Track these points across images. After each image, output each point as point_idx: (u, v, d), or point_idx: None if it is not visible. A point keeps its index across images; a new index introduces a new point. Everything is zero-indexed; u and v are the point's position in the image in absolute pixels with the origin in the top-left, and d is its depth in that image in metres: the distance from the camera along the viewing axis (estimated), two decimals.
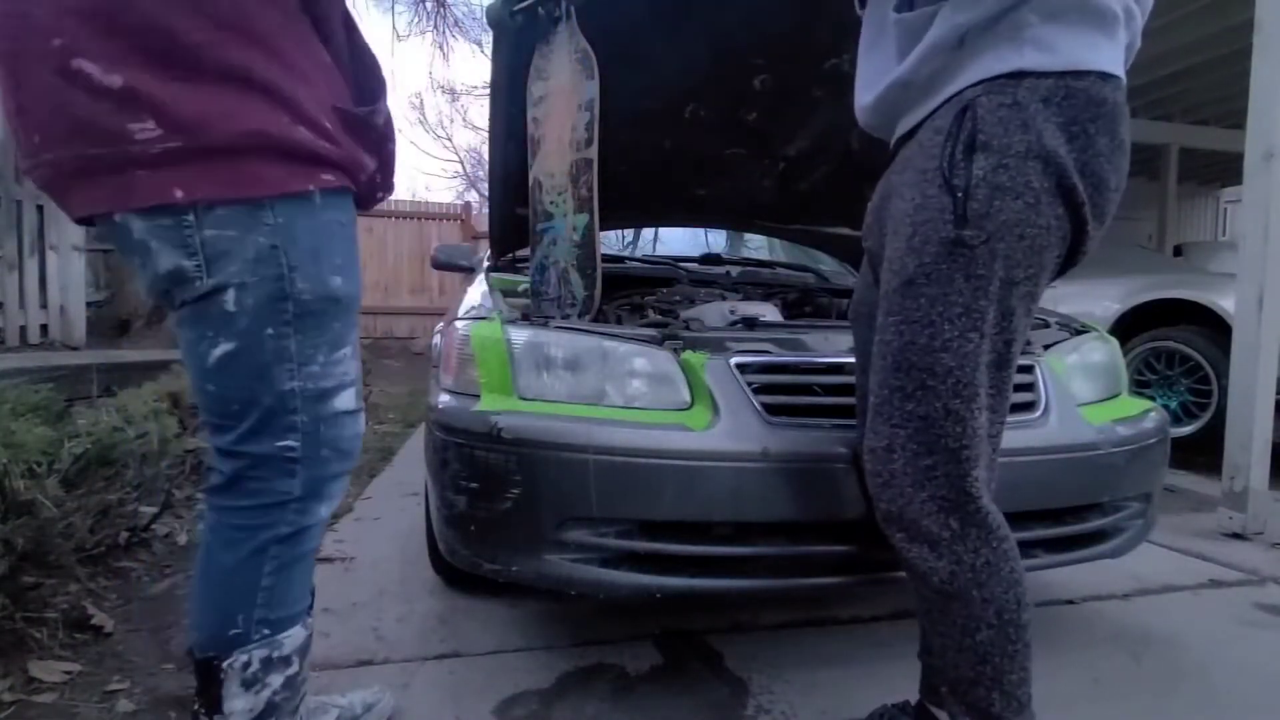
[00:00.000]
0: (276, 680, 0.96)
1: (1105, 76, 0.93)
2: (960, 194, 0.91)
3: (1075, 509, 1.50)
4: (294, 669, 0.98)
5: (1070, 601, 1.91)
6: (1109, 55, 0.94)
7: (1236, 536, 2.48)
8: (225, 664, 0.94)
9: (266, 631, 0.95)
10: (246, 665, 0.94)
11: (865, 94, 1.12)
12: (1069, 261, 0.99)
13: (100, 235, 0.88)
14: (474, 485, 1.34)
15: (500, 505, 1.31)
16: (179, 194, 0.80)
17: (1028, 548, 1.44)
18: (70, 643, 1.55)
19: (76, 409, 2.37)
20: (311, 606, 1.05)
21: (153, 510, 2.18)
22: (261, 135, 0.80)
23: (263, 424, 0.91)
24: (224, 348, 0.88)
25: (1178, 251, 5.84)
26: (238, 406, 0.91)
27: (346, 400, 0.96)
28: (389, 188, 1.01)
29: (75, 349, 4.11)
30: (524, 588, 1.40)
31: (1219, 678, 1.53)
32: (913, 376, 0.96)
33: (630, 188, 2.37)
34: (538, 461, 1.29)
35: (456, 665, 1.54)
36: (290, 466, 0.93)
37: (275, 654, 0.95)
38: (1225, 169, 7.51)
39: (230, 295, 0.85)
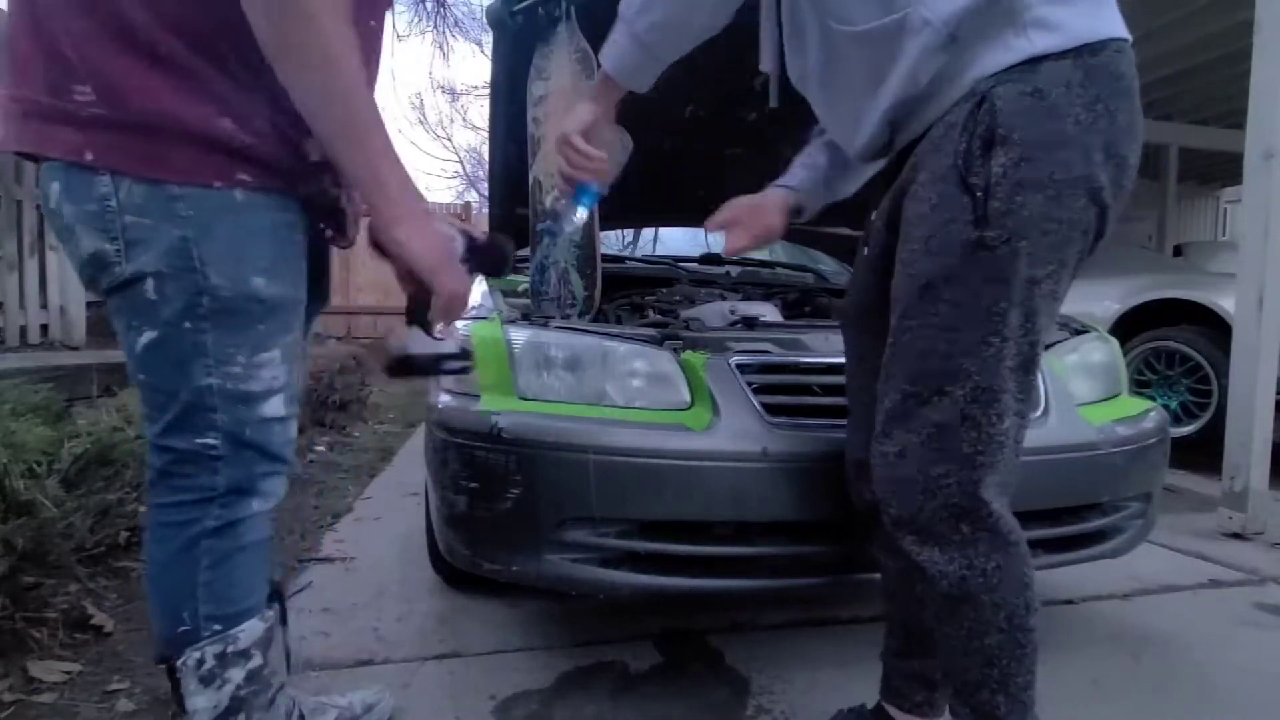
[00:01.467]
0: (237, 675, 0.95)
1: (1120, 48, 0.89)
2: (980, 193, 0.86)
3: (1075, 509, 1.50)
4: (255, 662, 0.96)
5: (1070, 601, 1.91)
6: (1114, 20, 0.90)
7: (1236, 536, 2.49)
8: (179, 662, 0.93)
9: (217, 627, 0.94)
10: (200, 662, 0.93)
11: (857, 132, 1.05)
12: (1090, 250, 0.95)
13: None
14: (474, 485, 1.34)
15: (500, 505, 1.31)
16: (89, 155, 0.83)
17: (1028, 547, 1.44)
18: (70, 643, 1.55)
19: (76, 409, 2.36)
20: (275, 598, 1.03)
21: None
22: (176, 120, 0.82)
23: (182, 418, 0.91)
24: (148, 336, 0.89)
25: (1178, 251, 5.83)
26: (162, 398, 0.92)
27: (275, 407, 0.94)
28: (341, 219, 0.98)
29: (75, 349, 4.10)
30: (524, 588, 1.40)
31: (1219, 678, 1.53)
32: (929, 383, 0.92)
33: (630, 188, 2.36)
34: (538, 461, 1.29)
35: (456, 665, 1.55)
36: (212, 464, 0.92)
37: (230, 649, 0.94)
38: (1225, 169, 7.51)
39: (150, 284, 0.86)
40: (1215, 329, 3.32)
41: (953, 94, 0.91)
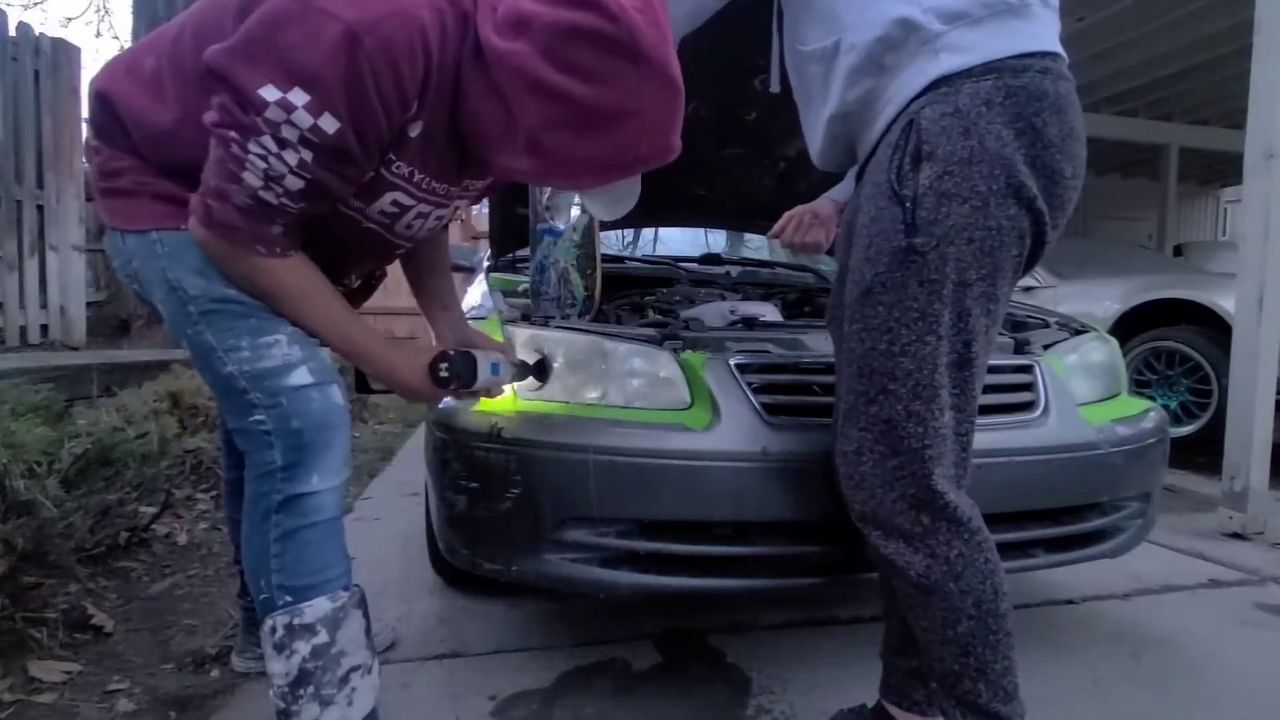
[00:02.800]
0: (304, 648, 1.01)
1: (1045, 67, 0.95)
2: (909, 203, 0.94)
3: (1075, 509, 1.50)
4: (321, 638, 1.02)
5: (1070, 601, 1.91)
6: (1033, 35, 0.96)
7: (1236, 536, 2.48)
8: (262, 629, 1.03)
9: (289, 599, 1.02)
10: (274, 630, 1.02)
11: (813, 140, 1.16)
12: (1033, 255, 1.01)
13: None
14: (474, 485, 1.34)
15: (500, 505, 1.31)
16: (106, 217, 1.08)
17: (1028, 547, 1.44)
18: (70, 643, 1.56)
19: (76, 409, 2.37)
20: (347, 584, 1.08)
21: (153, 510, 2.18)
22: (145, 184, 1.05)
23: (230, 403, 1.06)
24: (185, 345, 1.08)
25: (1178, 251, 5.84)
26: (215, 391, 1.08)
27: (301, 376, 1.04)
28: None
29: (75, 349, 4.11)
30: (524, 588, 1.40)
31: (1219, 678, 1.53)
32: (874, 381, 1.00)
33: None
34: (538, 461, 1.29)
35: (456, 665, 1.55)
36: (266, 438, 1.03)
37: (296, 621, 1.02)
38: (1225, 169, 7.52)
39: (162, 310, 1.08)
40: (1215, 329, 3.32)
41: (887, 114, 1.00)
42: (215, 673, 1.49)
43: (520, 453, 1.29)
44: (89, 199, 4.45)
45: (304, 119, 0.86)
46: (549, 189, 1.60)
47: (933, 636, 1.02)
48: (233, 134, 0.88)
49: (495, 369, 1.18)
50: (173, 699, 1.39)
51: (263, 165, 0.89)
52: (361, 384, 1.23)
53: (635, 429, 1.31)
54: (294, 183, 0.90)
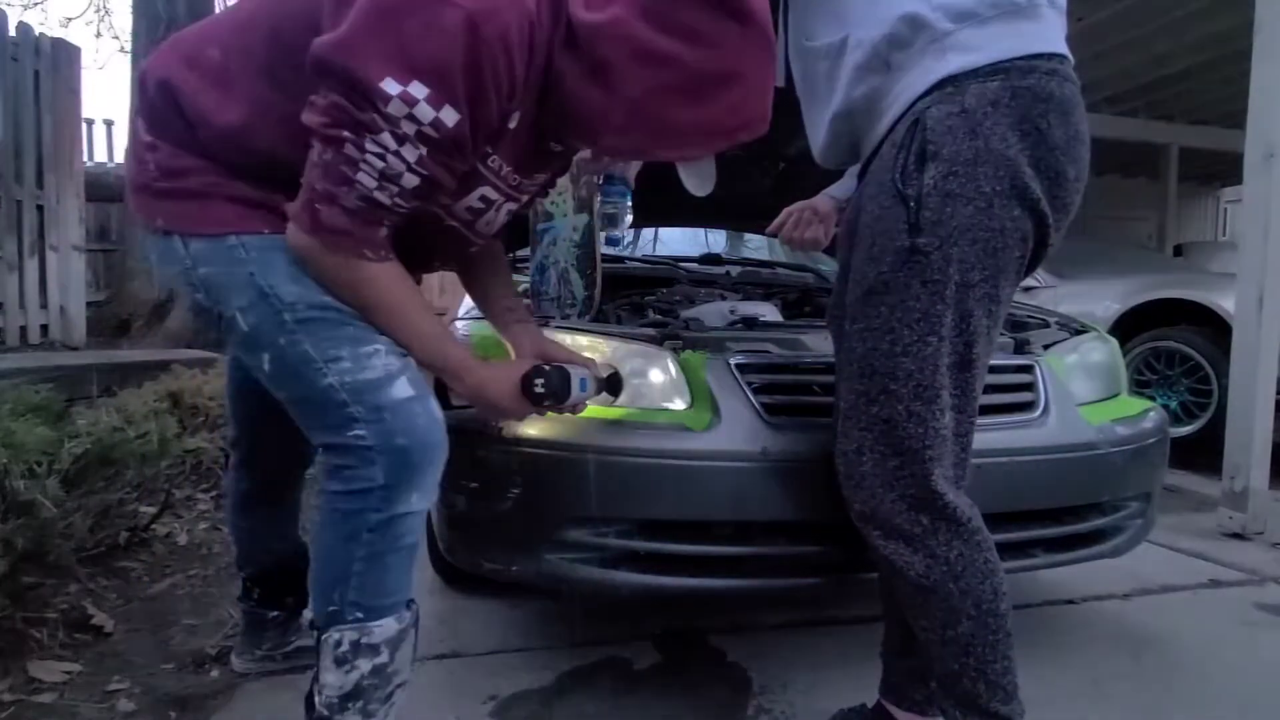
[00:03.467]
0: (365, 665, 1.00)
1: (1051, 69, 0.94)
2: (913, 203, 0.94)
3: (1075, 509, 1.50)
4: (382, 658, 1.01)
5: (1070, 601, 1.91)
6: (1040, 36, 0.96)
7: (1236, 536, 2.48)
8: (323, 638, 1.00)
9: (359, 615, 0.99)
10: (339, 644, 0.99)
11: (816, 137, 1.16)
12: (1036, 257, 1.01)
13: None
14: (474, 485, 1.34)
15: (500, 505, 1.31)
16: (160, 221, 1.01)
17: (1028, 547, 1.44)
18: (70, 643, 1.55)
19: (76, 409, 2.36)
20: (411, 605, 1.06)
21: (153, 510, 2.18)
22: (216, 185, 0.99)
23: (325, 417, 0.99)
24: (266, 359, 1.00)
25: (1178, 251, 5.85)
26: (304, 407, 1.02)
27: (403, 388, 0.99)
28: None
29: (75, 349, 4.11)
30: (524, 588, 1.40)
31: (1219, 677, 1.53)
32: (875, 381, 0.99)
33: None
34: (538, 461, 1.29)
35: (456, 665, 1.55)
36: (368, 454, 0.97)
37: (364, 639, 1.00)
38: (1225, 169, 7.51)
39: (240, 318, 0.99)
40: (1215, 329, 3.32)
41: (892, 113, 0.99)
42: (215, 673, 1.49)
43: (520, 453, 1.29)
44: (89, 199, 4.45)
45: (426, 112, 0.82)
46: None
47: (932, 636, 1.02)
48: (346, 134, 0.83)
49: (584, 384, 1.14)
50: (173, 699, 1.39)
51: (380, 165, 0.84)
52: (443, 400, 1.15)
53: (635, 429, 1.31)
54: (410, 180, 0.86)
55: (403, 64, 0.80)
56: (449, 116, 0.83)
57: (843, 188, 1.41)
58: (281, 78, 0.91)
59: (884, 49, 0.98)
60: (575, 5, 0.88)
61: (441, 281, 8.88)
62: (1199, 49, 4.94)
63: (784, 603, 1.82)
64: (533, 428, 1.31)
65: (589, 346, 1.41)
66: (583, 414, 1.24)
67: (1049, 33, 0.97)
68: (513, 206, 1.09)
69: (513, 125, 0.92)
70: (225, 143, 0.97)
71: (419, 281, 1.29)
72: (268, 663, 1.46)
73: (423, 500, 1.01)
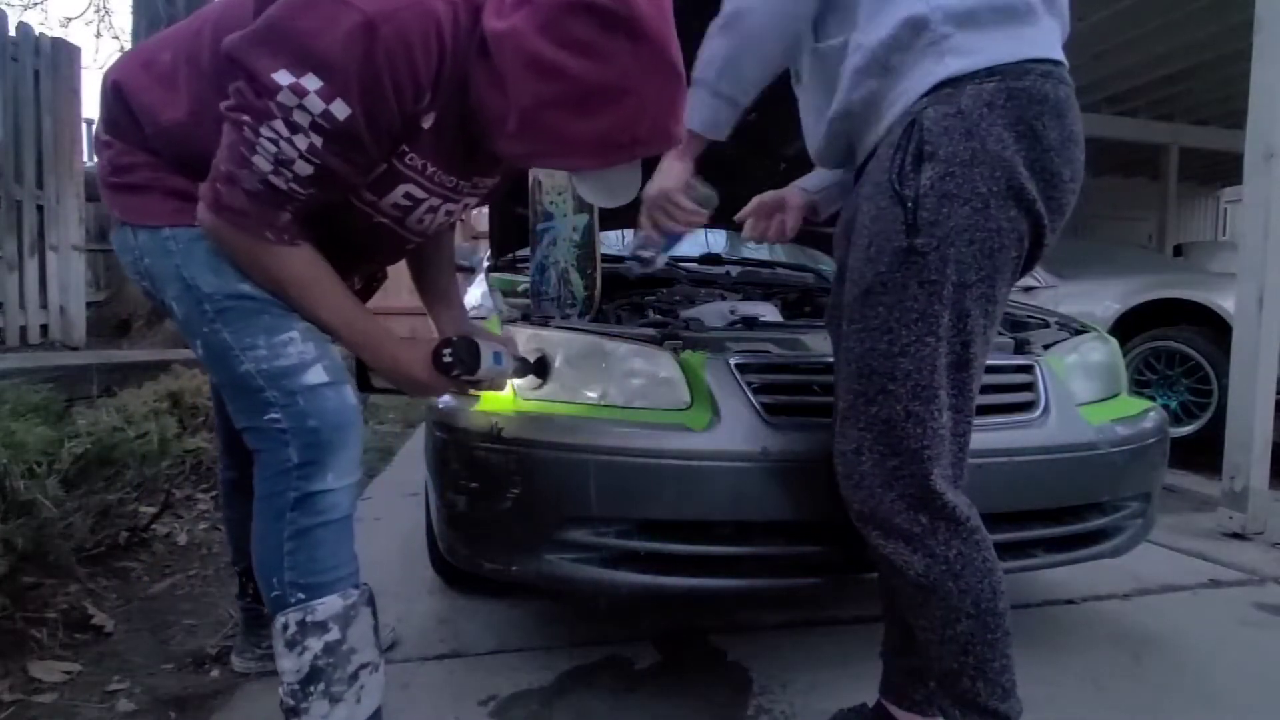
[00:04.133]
0: (316, 645, 1.02)
1: (1047, 71, 0.95)
2: (910, 204, 0.94)
3: (1075, 509, 1.50)
4: (333, 635, 1.03)
5: (1070, 601, 1.91)
6: (1036, 42, 0.96)
7: (1236, 536, 2.48)
8: (274, 626, 1.04)
9: (301, 596, 1.03)
10: (286, 627, 1.02)
11: (813, 138, 1.16)
12: (1031, 257, 1.01)
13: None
14: (474, 485, 1.34)
15: (500, 505, 1.31)
16: (115, 213, 1.09)
17: (1028, 547, 1.44)
18: (70, 643, 1.56)
19: (76, 409, 2.37)
20: (357, 582, 1.08)
21: (153, 510, 2.18)
22: (157, 179, 1.06)
23: (243, 402, 1.05)
24: (197, 344, 1.07)
25: (1178, 251, 5.85)
26: (227, 391, 1.08)
27: (316, 374, 1.04)
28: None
29: (75, 349, 4.11)
30: (524, 588, 1.40)
31: (1219, 677, 1.53)
32: (874, 382, 1.00)
33: None
34: (538, 461, 1.29)
35: (456, 665, 1.55)
36: (282, 437, 1.03)
37: (309, 618, 1.02)
38: (1225, 169, 7.51)
39: (174, 307, 1.06)
40: (1215, 329, 3.32)
41: (891, 116, 1.00)
42: (215, 673, 1.49)
43: (520, 453, 1.29)
44: (89, 199, 4.45)
45: (316, 104, 0.87)
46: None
47: (931, 635, 1.02)
48: (245, 117, 0.89)
49: (498, 358, 1.17)
50: (173, 699, 1.39)
51: (273, 149, 0.89)
52: (364, 383, 1.22)
53: (635, 429, 1.31)
54: (303, 168, 0.91)
55: (296, 57, 0.86)
56: (339, 110, 0.88)
57: (813, 180, 1.40)
58: (222, 82, 0.95)
59: (882, 53, 0.99)
60: (488, 13, 0.92)
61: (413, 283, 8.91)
62: (1199, 49, 4.94)
63: (784, 603, 1.82)
64: (533, 428, 1.31)
65: (590, 347, 1.41)
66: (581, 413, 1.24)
67: (1046, 38, 0.98)
68: (452, 207, 1.13)
69: (427, 125, 0.96)
70: (168, 138, 1.04)
71: (369, 280, 1.38)
72: (268, 662, 1.46)
73: (339, 479, 1.05)
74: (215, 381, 1.12)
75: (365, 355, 1.11)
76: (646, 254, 1.36)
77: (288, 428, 1.02)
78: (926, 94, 0.96)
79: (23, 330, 3.91)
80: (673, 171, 1.19)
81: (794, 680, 1.48)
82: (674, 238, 1.32)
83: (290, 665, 1.02)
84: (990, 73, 0.93)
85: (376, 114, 0.90)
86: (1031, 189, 0.94)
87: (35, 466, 1.71)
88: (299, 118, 0.87)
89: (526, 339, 1.40)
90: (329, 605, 1.04)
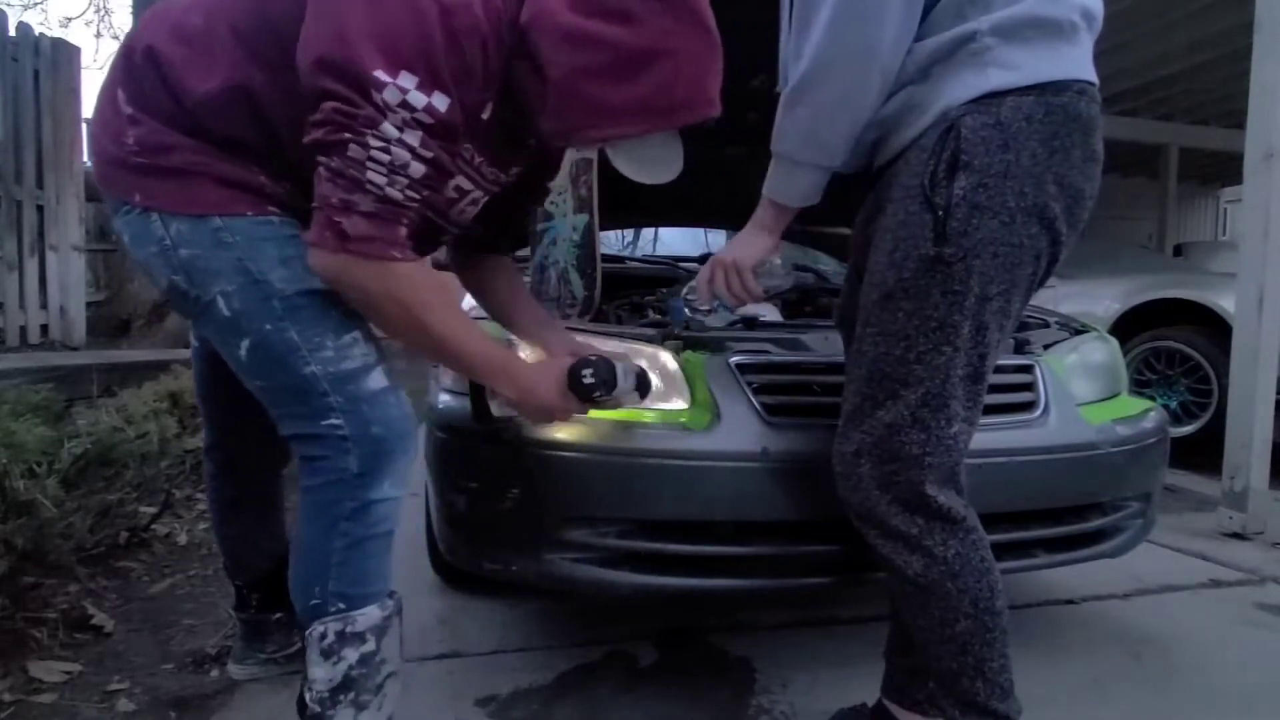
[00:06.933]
0: (352, 655, 1.01)
1: (1083, 89, 0.95)
2: (941, 212, 0.93)
3: (1075, 509, 1.50)
4: (369, 647, 1.02)
5: (1070, 601, 1.91)
6: (1076, 61, 0.96)
7: (1236, 536, 2.48)
8: (309, 633, 1.01)
9: (342, 606, 1.01)
10: (324, 636, 1.00)
11: None
12: (1046, 273, 1.01)
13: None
14: (474, 485, 1.34)
15: (500, 505, 1.31)
16: (137, 197, 0.98)
17: (1028, 547, 1.44)
18: (70, 643, 1.55)
19: (76, 409, 2.37)
20: (393, 594, 1.08)
21: (153, 510, 2.18)
22: (203, 165, 0.97)
23: (302, 406, 0.99)
24: (245, 345, 0.99)
25: (1178, 251, 5.84)
26: (280, 395, 1.02)
27: (378, 379, 1.02)
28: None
29: (75, 349, 4.11)
30: (524, 587, 1.40)
31: (1219, 677, 1.53)
32: (884, 386, 0.99)
33: (630, 187, 2.36)
34: (538, 461, 1.29)
35: (456, 665, 1.55)
36: (343, 444, 0.98)
37: (349, 629, 1.01)
38: (1225, 169, 7.51)
39: (221, 304, 0.98)
40: (1215, 329, 3.32)
41: (923, 121, 0.97)
42: (215, 673, 1.49)
43: (520, 453, 1.29)
44: (89, 199, 4.45)
45: (419, 99, 0.84)
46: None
47: (930, 635, 1.02)
48: (347, 135, 0.84)
49: (626, 375, 1.11)
50: (173, 699, 1.39)
51: (386, 157, 0.85)
52: (481, 413, 1.14)
53: (635, 429, 1.31)
54: (417, 169, 0.87)
55: (388, 56, 0.83)
56: (440, 102, 0.86)
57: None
58: (265, 54, 0.92)
59: (925, 61, 0.97)
60: (527, 2, 0.91)
61: None
62: (1199, 49, 4.94)
63: (784, 603, 1.82)
64: (533, 427, 1.31)
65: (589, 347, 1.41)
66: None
67: (1083, 57, 0.97)
68: (480, 196, 1.11)
69: (485, 116, 0.95)
70: (207, 113, 0.96)
71: None
72: (271, 666, 1.46)
73: (395, 488, 1.03)
74: (259, 385, 1.03)
75: (493, 380, 1.05)
76: (699, 305, 1.33)
77: (349, 434, 0.98)
78: (966, 103, 0.94)
79: (23, 330, 3.91)
80: (753, 243, 1.15)
81: (794, 680, 1.48)
82: (724, 305, 1.26)
83: (323, 674, 1.00)
84: (1030, 86, 0.93)
85: (466, 101, 0.89)
86: (1055, 206, 0.94)
87: (35, 466, 1.71)
88: (404, 115, 0.84)
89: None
90: (369, 616, 1.02)
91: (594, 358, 1.08)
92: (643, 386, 1.17)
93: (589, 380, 1.05)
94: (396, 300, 0.93)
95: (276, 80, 0.92)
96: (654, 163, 1.00)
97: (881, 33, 0.92)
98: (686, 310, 1.37)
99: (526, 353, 1.25)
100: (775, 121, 1.05)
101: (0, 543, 1.50)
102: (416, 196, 0.90)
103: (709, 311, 1.30)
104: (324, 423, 0.98)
